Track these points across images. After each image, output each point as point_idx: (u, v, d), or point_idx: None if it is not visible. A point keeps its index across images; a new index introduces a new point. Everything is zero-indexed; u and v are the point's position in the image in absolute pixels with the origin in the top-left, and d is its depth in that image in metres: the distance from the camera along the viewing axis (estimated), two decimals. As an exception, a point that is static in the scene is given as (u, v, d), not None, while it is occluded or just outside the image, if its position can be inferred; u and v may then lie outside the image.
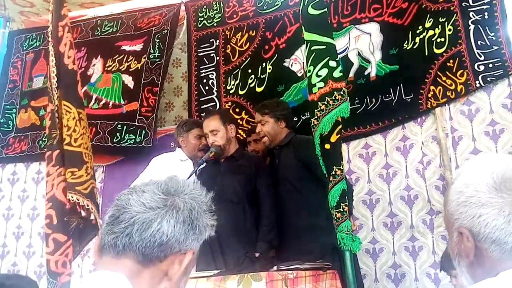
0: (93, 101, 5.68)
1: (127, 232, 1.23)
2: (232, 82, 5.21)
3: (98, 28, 6.07)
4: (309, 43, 3.34)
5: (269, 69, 5.03)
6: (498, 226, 1.19)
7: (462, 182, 1.29)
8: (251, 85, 5.09)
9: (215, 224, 1.38)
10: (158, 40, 5.57)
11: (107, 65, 5.81)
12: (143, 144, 5.25)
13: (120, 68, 5.70)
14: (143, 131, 5.29)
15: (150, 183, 1.33)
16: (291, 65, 4.93)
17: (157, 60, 5.49)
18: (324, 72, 3.23)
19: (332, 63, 3.26)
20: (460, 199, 1.26)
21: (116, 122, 5.43)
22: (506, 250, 1.19)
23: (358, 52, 4.64)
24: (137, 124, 5.35)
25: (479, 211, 1.22)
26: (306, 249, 3.56)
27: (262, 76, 5.06)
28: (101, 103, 5.64)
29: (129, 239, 1.23)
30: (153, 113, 5.35)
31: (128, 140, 5.31)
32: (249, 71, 5.15)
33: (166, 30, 5.58)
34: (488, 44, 4.02)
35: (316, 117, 3.23)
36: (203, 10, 5.58)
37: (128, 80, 5.58)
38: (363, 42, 4.65)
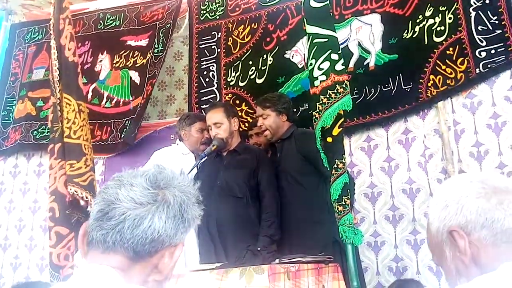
0: (104, 99, 5.67)
1: (118, 229, 1.21)
2: (233, 74, 5.19)
3: (101, 21, 6.05)
4: (311, 36, 3.33)
5: (270, 60, 5.01)
6: (480, 207, 1.23)
7: (437, 197, 1.35)
8: (252, 77, 5.08)
9: (202, 213, 1.36)
10: (162, 35, 5.56)
11: (114, 61, 5.80)
12: (133, 133, 5.27)
13: (127, 64, 5.69)
14: (140, 123, 5.32)
15: (138, 175, 1.30)
16: (292, 56, 4.91)
17: (160, 54, 5.48)
18: (326, 65, 3.23)
19: (334, 56, 3.26)
20: (439, 206, 1.31)
21: (126, 119, 5.43)
22: (497, 232, 1.22)
23: (359, 43, 4.63)
24: (135, 116, 5.35)
25: (459, 204, 1.26)
26: (307, 242, 3.57)
27: (262, 68, 5.05)
28: (113, 101, 5.62)
29: (120, 235, 1.20)
30: (147, 103, 5.39)
31: (126, 133, 5.30)
32: (250, 63, 5.14)
33: (169, 24, 5.56)
34: (490, 28, 3.97)
35: (317, 110, 3.22)
36: (206, 3, 5.57)
37: (135, 76, 5.59)
38: (363, 33, 4.63)
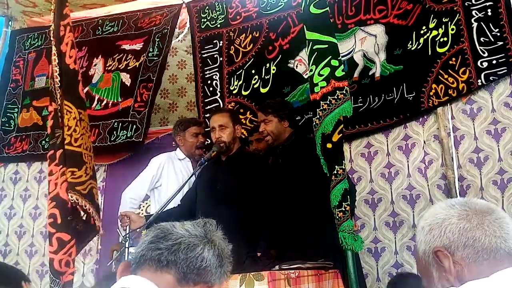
0: (95, 102, 5.67)
1: (173, 249, 1.34)
2: (235, 83, 5.20)
3: (99, 27, 6.07)
4: (311, 42, 3.33)
5: (273, 70, 5.02)
6: (462, 228, 1.30)
7: (421, 223, 1.42)
8: (255, 86, 5.09)
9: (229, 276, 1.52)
10: (158, 40, 5.57)
11: (107, 65, 5.81)
12: (133, 139, 5.25)
13: (119, 66, 5.70)
14: (134, 126, 5.29)
15: (187, 222, 1.46)
16: (296, 66, 4.92)
17: (155, 58, 5.48)
18: (326, 71, 3.22)
19: (334, 62, 3.25)
20: (425, 231, 1.38)
21: (113, 120, 5.43)
22: (478, 250, 1.27)
23: (364, 54, 4.63)
24: (129, 119, 5.35)
25: (442, 226, 1.33)
26: (308, 249, 3.56)
27: (266, 77, 5.05)
28: (103, 103, 5.63)
29: (175, 255, 1.33)
30: (146, 108, 5.34)
31: (121, 137, 5.30)
32: (253, 71, 5.14)
33: (166, 30, 5.56)
34: (492, 40, 3.98)
35: (318, 116, 3.22)
36: (206, 11, 5.57)
37: (126, 78, 5.59)
38: (368, 44, 4.64)
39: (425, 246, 1.36)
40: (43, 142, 5.75)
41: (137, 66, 5.55)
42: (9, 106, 6.17)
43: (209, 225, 1.46)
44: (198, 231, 1.40)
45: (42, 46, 6.26)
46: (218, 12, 5.50)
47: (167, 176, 4.25)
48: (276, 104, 4.08)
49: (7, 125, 6.08)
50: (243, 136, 4.54)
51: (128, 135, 5.27)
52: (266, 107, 4.06)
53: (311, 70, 3.30)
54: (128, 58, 5.67)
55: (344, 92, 3.21)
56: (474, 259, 1.27)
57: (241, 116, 4.94)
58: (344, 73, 3.29)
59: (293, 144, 3.95)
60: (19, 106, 6.14)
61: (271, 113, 4.00)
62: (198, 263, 1.34)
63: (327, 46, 3.29)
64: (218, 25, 5.47)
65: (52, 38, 4.08)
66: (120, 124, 5.36)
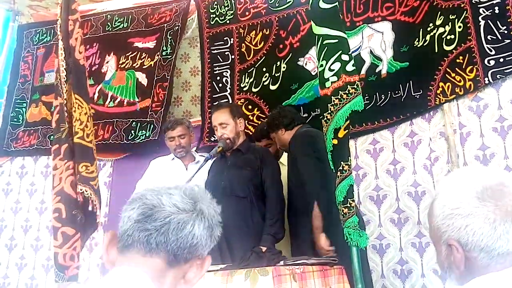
0: (108, 99, 5.71)
1: (162, 230, 1.25)
2: (246, 80, 5.19)
3: (109, 23, 6.07)
4: (321, 38, 3.33)
5: (284, 68, 5.00)
6: (485, 234, 1.23)
7: (445, 196, 1.33)
8: (265, 83, 5.08)
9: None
10: (170, 37, 5.59)
11: (120, 62, 5.84)
12: (150, 138, 5.29)
13: (134, 65, 5.73)
14: (152, 125, 5.33)
15: (174, 188, 1.35)
16: (305, 64, 4.91)
17: (169, 56, 5.52)
18: (336, 66, 3.23)
19: (345, 57, 3.26)
20: (445, 212, 1.30)
21: (131, 120, 5.48)
22: (494, 256, 1.24)
23: (370, 50, 4.63)
24: (148, 119, 5.39)
25: (465, 221, 1.26)
26: (305, 245, 3.59)
27: (276, 75, 5.04)
28: (116, 101, 5.66)
29: (165, 237, 1.25)
30: (162, 107, 5.38)
31: (141, 136, 5.34)
32: (264, 69, 5.13)
33: (177, 27, 5.59)
34: (500, 38, 3.97)
35: (329, 111, 3.23)
36: (214, 6, 5.56)
37: (142, 78, 5.62)
38: (375, 41, 4.63)
39: (441, 225, 1.30)
40: (52, 137, 5.77)
41: (152, 65, 5.59)
42: (18, 101, 6.21)
43: (197, 191, 1.37)
44: (187, 204, 1.31)
45: (52, 42, 6.26)
46: (226, 8, 5.48)
47: (162, 178, 4.30)
48: (266, 126, 4.29)
49: (15, 119, 6.13)
50: (251, 133, 4.56)
51: (146, 135, 5.32)
52: (260, 138, 4.41)
53: (321, 65, 3.30)
54: (142, 57, 5.70)
55: (355, 87, 3.23)
56: (487, 263, 1.24)
57: (248, 113, 4.98)
58: (354, 68, 3.29)
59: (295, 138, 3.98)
60: (28, 101, 6.17)
61: (268, 134, 4.27)
62: (189, 242, 1.27)
63: (337, 41, 3.31)
64: (228, 21, 5.46)
65: (59, 33, 4.10)
66: (139, 124, 5.40)
